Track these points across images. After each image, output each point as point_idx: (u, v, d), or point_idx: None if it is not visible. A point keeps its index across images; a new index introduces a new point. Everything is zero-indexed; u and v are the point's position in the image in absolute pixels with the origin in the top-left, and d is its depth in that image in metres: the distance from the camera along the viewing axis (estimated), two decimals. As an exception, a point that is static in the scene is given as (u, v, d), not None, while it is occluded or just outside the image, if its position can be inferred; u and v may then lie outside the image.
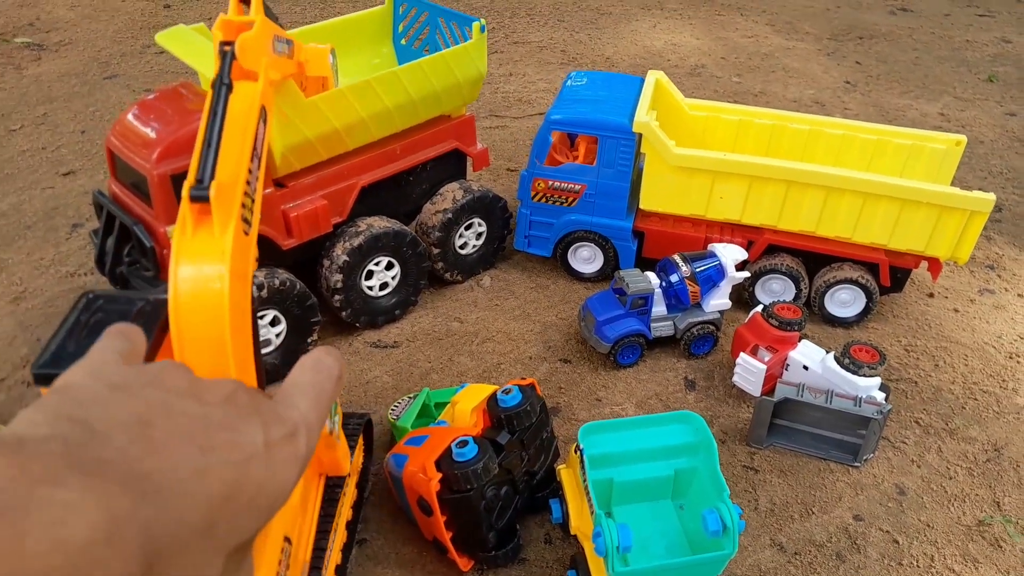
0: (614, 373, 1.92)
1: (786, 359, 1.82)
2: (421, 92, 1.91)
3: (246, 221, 1.12)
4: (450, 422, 1.59)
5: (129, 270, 1.78)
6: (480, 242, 2.19)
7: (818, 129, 2.21)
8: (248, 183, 1.15)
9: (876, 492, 1.68)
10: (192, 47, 1.77)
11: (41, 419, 0.33)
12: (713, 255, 1.93)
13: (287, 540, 1.18)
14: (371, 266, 1.94)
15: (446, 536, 1.40)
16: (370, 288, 1.97)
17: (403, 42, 2.28)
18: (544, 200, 2.14)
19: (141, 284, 1.73)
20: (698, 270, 1.90)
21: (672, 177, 2.02)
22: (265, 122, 1.27)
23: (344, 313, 1.95)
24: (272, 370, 1.82)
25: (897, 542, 1.57)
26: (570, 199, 2.12)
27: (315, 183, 1.84)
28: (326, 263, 1.90)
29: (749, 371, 1.80)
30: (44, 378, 1.02)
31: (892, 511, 1.64)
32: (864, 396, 1.69)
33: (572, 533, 1.44)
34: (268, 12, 1.49)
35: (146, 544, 0.30)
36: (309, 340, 1.87)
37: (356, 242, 1.88)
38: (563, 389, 1.87)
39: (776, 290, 2.11)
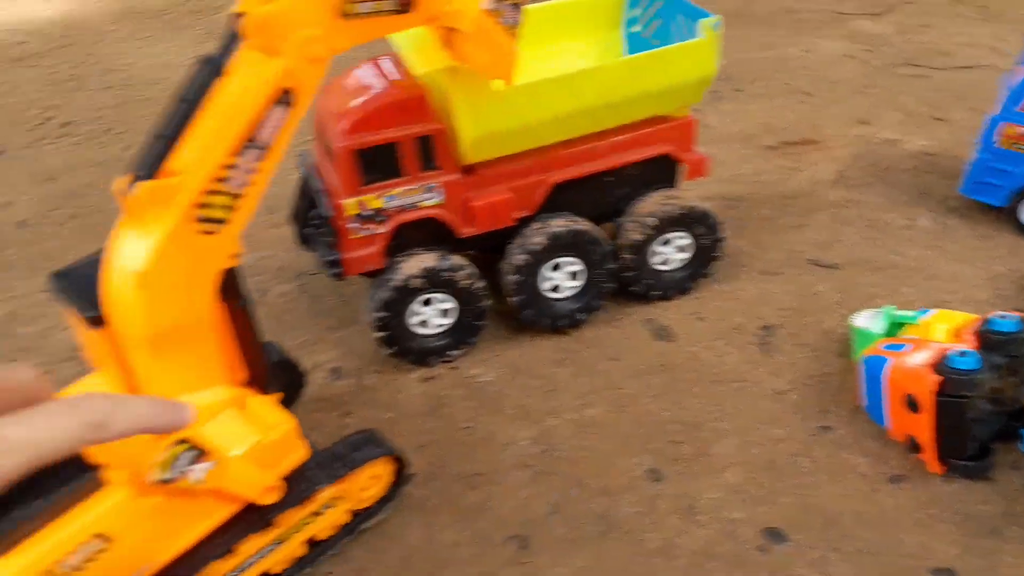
0: (1079, 329, 1.87)
1: None
2: (634, 91, 1.72)
3: (209, 220, 1.06)
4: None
5: (314, 233, 1.80)
6: (684, 257, 1.96)
7: None
8: (224, 180, 1.07)
9: None
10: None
11: None
12: None
13: (102, 537, 1.10)
14: (549, 270, 1.82)
15: (930, 434, 1.49)
16: (552, 290, 1.86)
17: (633, 29, 2.05)
18: (1012, 147, 2.09)
19: (321, 249, 1.74)
20: None
21: None
22: (291, 104, 1.13)
23: (523, 314, 1.85)
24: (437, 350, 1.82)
25: None
26: (1046, 149, 2.05)
27: (503, 174, 1.73)
28: (505, 261, 1.82)
29: None
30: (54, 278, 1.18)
31: None
32: None
33: (1053, 463, 1.47)
34: None
35: None
36: (479, 324, 1.84)
37: (535, 241, 1.77)
38: None
39: None
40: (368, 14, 1.22)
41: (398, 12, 1.28)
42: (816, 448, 1.62)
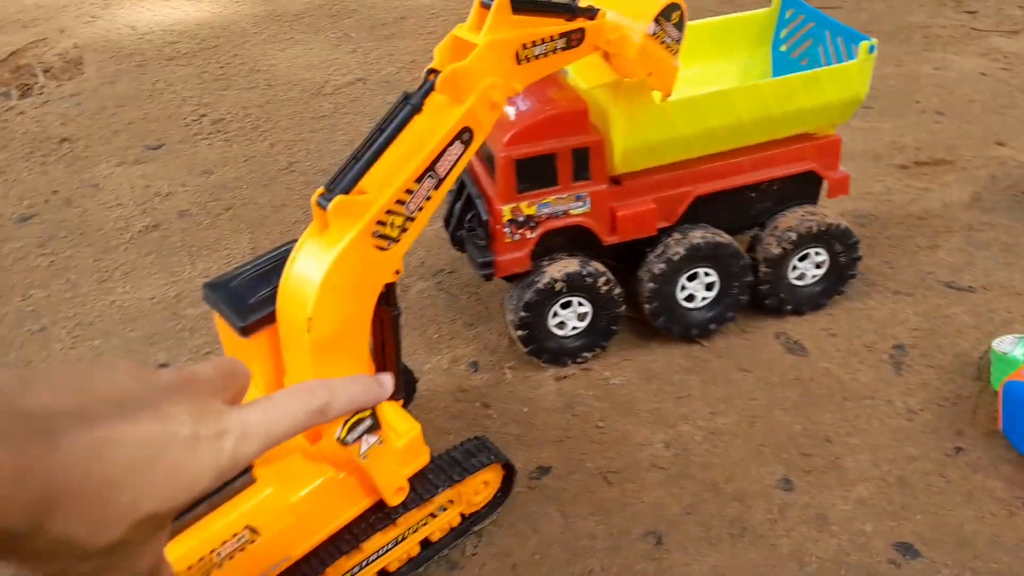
0: None
1: None
2: (785, 109, 1.77)
3: (384, 237, 1.17)
4: (1060, 368, 1.65)
5: (467, 236, 1.85)
6: (819, 273, 1.98)
7: None
8: (403, 202, 1.18)
9: None
10: None
11: None
12: None
13: (251, 529, 1.20)
14: (685, 280, 1.87)
15: (1073, 464, 1.50)
16: (687, 299, 1.91)
17: (782, 48, 2.10)
18: None
19: (474, 251, 1.80)
20: None
21: None
22: (468, 143, 1.24)
23: (657, 321, 1.91)
24: (572, 351, 1.90)
25: None
26: None
27: (649, 185, 1.80)
28: (643, 269, 1.87)
29: None
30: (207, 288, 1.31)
31: None
32: None
33: None
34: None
35: (49, 488, 0.33)
36: (614, 328, 1.90)
37: (675, 251, 1.83)
38: None
39: None
40: (541, 56, 1.35)
41: (567, 48, 1.39)
42: (950, 468, 1.64)
